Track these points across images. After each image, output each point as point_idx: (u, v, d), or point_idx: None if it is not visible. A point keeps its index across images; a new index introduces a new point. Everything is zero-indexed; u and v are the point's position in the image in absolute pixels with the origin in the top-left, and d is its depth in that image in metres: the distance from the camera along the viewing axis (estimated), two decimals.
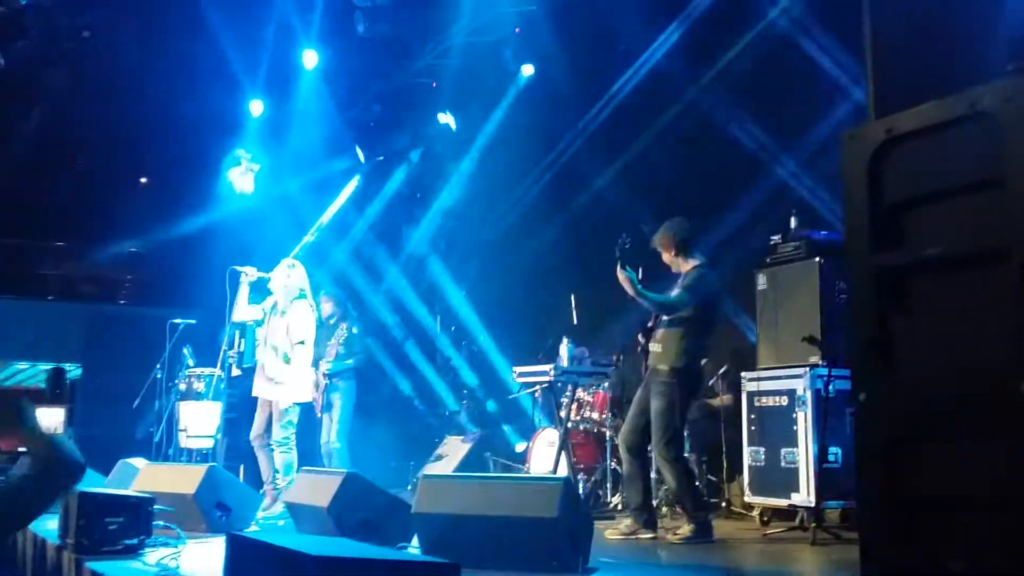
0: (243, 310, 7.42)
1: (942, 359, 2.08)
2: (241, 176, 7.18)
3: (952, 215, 2.08)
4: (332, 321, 8.59)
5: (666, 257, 6.05)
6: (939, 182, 2.11)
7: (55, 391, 14.75)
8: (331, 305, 8.66)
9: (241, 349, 9.27)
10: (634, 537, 5.84)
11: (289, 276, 7.25)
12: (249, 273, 7.45)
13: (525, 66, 10.49)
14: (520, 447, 9.05)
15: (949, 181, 2.09)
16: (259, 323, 7.53)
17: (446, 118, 11.54)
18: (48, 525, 5.53)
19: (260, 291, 7.52)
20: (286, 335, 7.11)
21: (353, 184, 12.27)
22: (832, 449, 5.89)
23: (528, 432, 8.76)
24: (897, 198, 2.19)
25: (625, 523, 5.98)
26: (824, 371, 5.94)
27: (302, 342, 7.09)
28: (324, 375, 8.27)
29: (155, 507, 4.84)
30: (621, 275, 5.72)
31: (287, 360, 7.05)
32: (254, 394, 7.27)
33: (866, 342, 2.20)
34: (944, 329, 2.08)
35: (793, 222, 6.71)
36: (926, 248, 2.11)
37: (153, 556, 4.49)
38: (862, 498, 2.18)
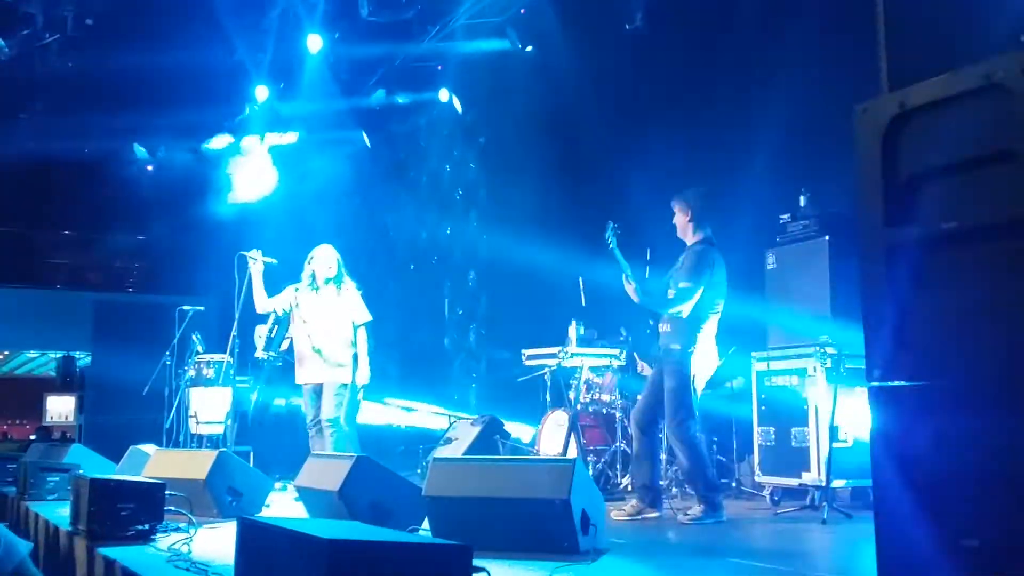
0: (263, 301, 7.38)
1: (956, 333, 2.06)
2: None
3: (966, 188, 2.05)
4: None
5: (679, 219, 6.04)
6: (952, 155, 2.08)
7: (65, 379, 14.83)
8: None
9: (273, 335, 9.31)
10: (640, 517, 5.84)
11: (336, 258, 7.19)
12: (256, 257, 7.44)
13: (530, 46, 10.42)
14: (526, 435, 9.02)
15: (962, 154, 2.06)
16: (287, 313, 7.51)
17: (451, 100, 11.50)
18: (59, 512, 5.56)
19: (267, 277, 7.50)
20: (342, 317, 7.06)
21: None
22: (842, 428, 5.87)
23: (536, 416, 8.75)
24: (910, 172, 2.16)
25: (631, 503, 5.98)
26: (835, 349, 5.92)
27: (367, 323, 7.07)
28: None
29: (166, 493, 4.85)
30: (628, 287, 5.92)
31: (353, 343, 7.03)
32: (306, 381, 7.16)
33: (878, 317, 2.18)
34: (958, 302, 2.06)
35: (802, 200, 6.67)
36: (940, 222, 2.08)
37: (165, 541, 4.50)
38: (876, 474, 2.17)
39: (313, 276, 7.20)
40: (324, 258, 7.20)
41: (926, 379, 2.10)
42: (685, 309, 5.80)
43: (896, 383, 2.15)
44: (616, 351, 7.61)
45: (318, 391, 7.07)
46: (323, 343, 7.07)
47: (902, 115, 2.17)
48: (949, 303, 2.09)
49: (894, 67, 2.34)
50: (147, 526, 4.66)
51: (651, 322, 6.17)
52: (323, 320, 7.11)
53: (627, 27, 9.40)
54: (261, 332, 9.40)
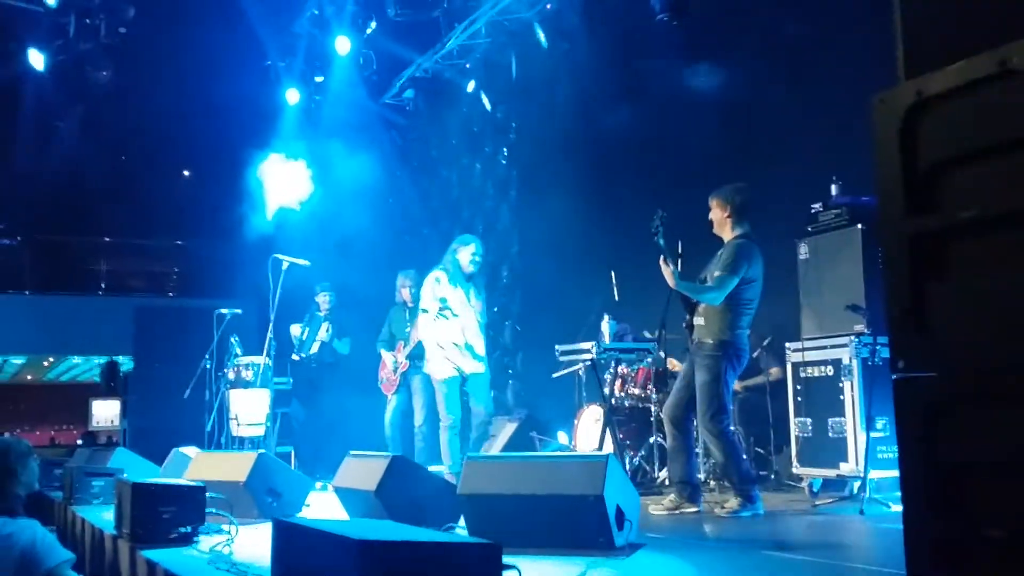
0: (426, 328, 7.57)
1: (981, 322, 2.04)
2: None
3: (987, 176, 2.03)
4: (412, 305, 8.70)
5: (716, 215, 6.02)
6: (972, 143, 2.06)
7: (110, 384, 15.07)
8: (407, 290, 8.79)
9: (304, 337, 9.45)
10: (678, 512, 5.83)
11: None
12: (285, 260, 7.56)
13: (558, 40, 10.41)
14: (561, 438, 9.03)
15: (983, 141, 2.04)
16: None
17: (480, 97, 11.52)
18: (104, 516, 5.67)
19: (294, 276, 7.60)
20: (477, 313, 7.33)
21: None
22: (880, 418, 5.82)
23: (571, 412, 8.76)
24: (930, 161, 2.15)
25: (669, 498, 5.97)
26: (869, 339, 5.87)
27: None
28: (405, 358, 8.37)
29: (207, 495, 4.92)
30: (665, 269, 5.90)
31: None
32: (449, 374, 7.36)
33: (902, 309, 2.17)
34: (982, 291, 2.05)
35: (834, 189, 6.61)
36: (961, 211, 2.06)
37: (206, 543, 4.57)
38: (903, 465, 2.15)
39: (458, 267, 7.37)
40: (470, 252, 7.31)
41: (950, 369, 2.09)
42: (719, 298, 5.78)
43: (920, 374, 2.14)
44: (649, 345, 7.59)
45: (460, 383, 7.26)
46: (473, 339, 7.27)
47: (919, 104, 2.15)
48: (973, 292, 2.07)
49: (910, 54, 2.32)
50: (189, 528, 4.73)
51: (687, 316, 6.12)
52: (470, 315, 7.28)
53: (656, 18, 9.36)
54: (296, 332, 9.54)
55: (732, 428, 5.83)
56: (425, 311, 7.38)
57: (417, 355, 8.29)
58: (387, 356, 8.67)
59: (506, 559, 2.57)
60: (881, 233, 2.25)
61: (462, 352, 7.29)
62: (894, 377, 2.19)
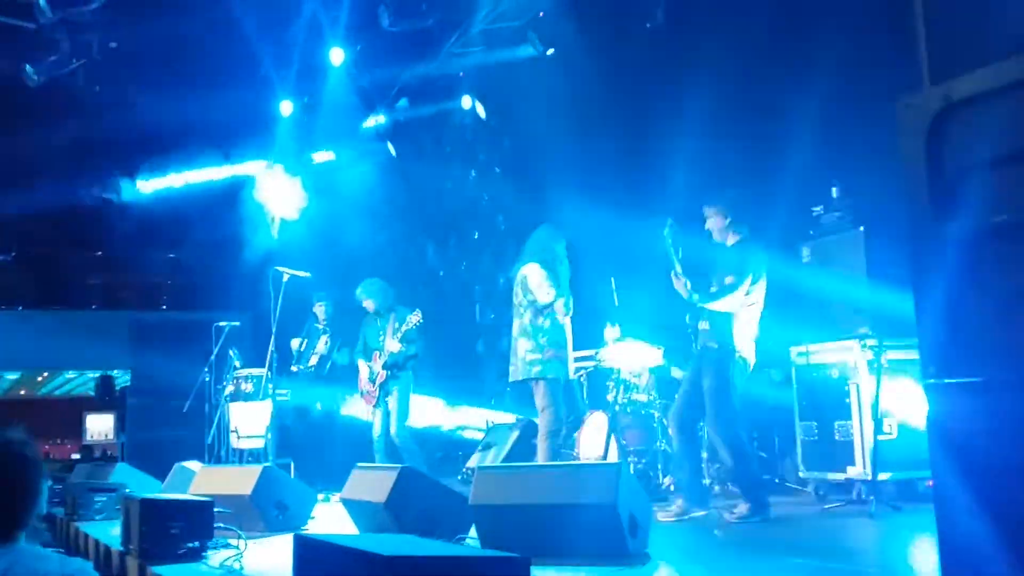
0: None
1: (1012, 327, 2.04)
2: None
3: (1016, 181, 2.03)
4: (381, 314, 8.56)
5: (715, 223, 6.02)
6: (1000, 147, 2.06)
7: (104, 398, 14.98)
8: (371, 301, 8.62)
9: (302, 349, 9.39)
10: (686, 517, 5.82)
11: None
12: (286, 272, 7.49)
13: (551, 49, 10.40)
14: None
15: (1011, 146, 2.03)
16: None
17: (475, 106, 11.51)
18: (111, 532, 5.63)
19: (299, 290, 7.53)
20: None
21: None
22: (886, 420, 5.82)
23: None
24: (958, 166, 2.14)
25: (676, 504, 5.96)
26: (875, 341, 5.87)
27: None
28: (382, 368, 8.26)
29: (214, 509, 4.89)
30: (677, 282, 5.91)
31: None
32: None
33: (932, 315, 2.16)
34: (1012, 296, 2.04)
35: (835, 192, 6.62)
36: (991, 215, 2.06)
37: (216, 558, 4.54)
38: (936, 473, 2.14)
39: (555, 258, 6.90)
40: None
41: (982, 374, 2.08)
42: (727, 305, 5.77)
43: (952, 380, 2.13)
44: (652, 351, 7.58)
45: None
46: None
47: (947, 109, 2.14)
48: (1003, 296, 2.07)
49: (935, 59, 2.31)
50: (197, 544, 4.69)
51: (687, 319, 6.11)
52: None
53: (647, 25, 9.38)
54: (296, 345, 9.48)
55: (741, 432, 5.82)
56: (549, 302, 6.63)
57: (393, 364, 8.24)
58: (363, 367, 8.53)
59: None
60: (909, 239, 2.25)
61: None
62: (926, 382, 2.18)
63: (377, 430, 8.33)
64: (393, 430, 8.18)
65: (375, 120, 11.79)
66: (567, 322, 6.69)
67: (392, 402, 8.25)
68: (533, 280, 6.67)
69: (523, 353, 6.63)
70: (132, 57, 10.72)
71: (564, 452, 7.01)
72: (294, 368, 9.58)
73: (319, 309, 9.51)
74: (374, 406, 8.34)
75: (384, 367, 8.26)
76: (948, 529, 2.11)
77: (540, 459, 6.56)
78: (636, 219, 6.46)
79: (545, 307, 6.59)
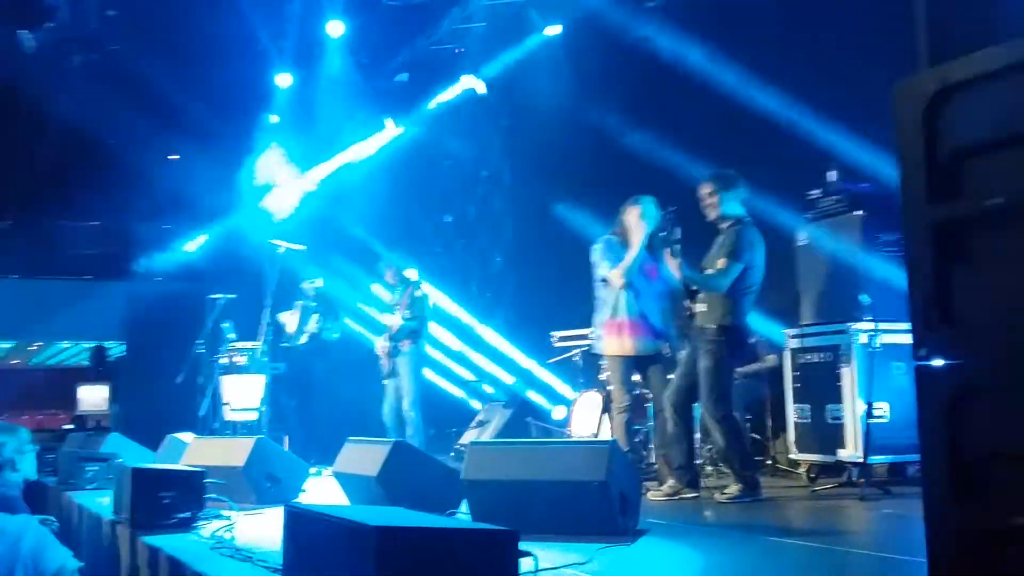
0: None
1: (1005, 311, 2.04)
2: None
3: (1012, 164, 2.03)
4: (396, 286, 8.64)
5: (709, 202, 6.01)
6: (997, 131, 2.06)
7: (98, 368, 14.98)
8: (391, 272, 8.69)
9: (295, 327, 9.38)
10: (677, 497, 5.85)
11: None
12: (281, 244, 7.48)
13: (552, 27, 10.36)
14: (558, 412, 9.06)
15: (1008, 130, 2.03)
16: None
17: (474, 83, 11.46)
18: (100, 500, 5.64)
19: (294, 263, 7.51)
20: None
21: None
22: (878, 403, 5.83)
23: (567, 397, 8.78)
24: (954, 149, 2.14)
25: (668, 483, 5.99)
26: (869, 324, 5.88)
27: None
28: (388, 339, 8.30)
29: (206, 480, 4.90)
30: (672, 262, 5.90)
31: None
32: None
33: (925, 297, 2.17)
34: (1006, 279, 2.04)
35: (832, 175, 6.61)
36: (986, 199, 2.06)
37: (207, 529, 4.55)
38: (924, 454, 2.16)
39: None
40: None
41: (973, 357, 2.09)
42: (725, 286, 5.77)
43: (943, 362, 2.14)
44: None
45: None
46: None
47: (944, 91, 2.14)
48: (996, 280, 2.07)
49: (933, 42, 2.31)
50: (189, 514, 4.70)
51: (686, 303, 6.11)
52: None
53: (649, 4, 9.34)
54: (284, 318, 9.46)
55: (735, 414, 5.84)
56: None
57: (394, 336, 8.26)
58: (377, 340, 8.63)
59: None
60: (904, 220, 2.25)
61: None
62: (916, 364, 2.19)
63: (386, 404, 8.40)
64: (405, 405, 8.26)
65: (374, 94, 11.71)
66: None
67: (401, 377, 8.32)
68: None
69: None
70: (129, 26, 10.65)
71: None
72: (285, 345, 9.57)
73: (308, 285, 9.45)
74: (384, 377, 8.43)
75: (390, 338, 8.34)
76: (935, 510, 2.13)
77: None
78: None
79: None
